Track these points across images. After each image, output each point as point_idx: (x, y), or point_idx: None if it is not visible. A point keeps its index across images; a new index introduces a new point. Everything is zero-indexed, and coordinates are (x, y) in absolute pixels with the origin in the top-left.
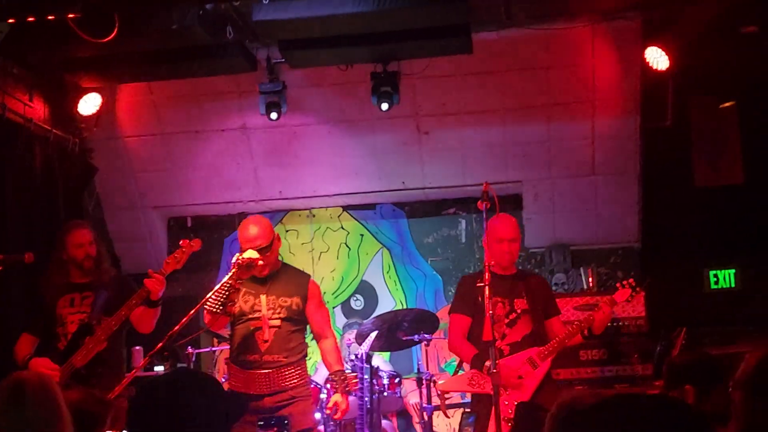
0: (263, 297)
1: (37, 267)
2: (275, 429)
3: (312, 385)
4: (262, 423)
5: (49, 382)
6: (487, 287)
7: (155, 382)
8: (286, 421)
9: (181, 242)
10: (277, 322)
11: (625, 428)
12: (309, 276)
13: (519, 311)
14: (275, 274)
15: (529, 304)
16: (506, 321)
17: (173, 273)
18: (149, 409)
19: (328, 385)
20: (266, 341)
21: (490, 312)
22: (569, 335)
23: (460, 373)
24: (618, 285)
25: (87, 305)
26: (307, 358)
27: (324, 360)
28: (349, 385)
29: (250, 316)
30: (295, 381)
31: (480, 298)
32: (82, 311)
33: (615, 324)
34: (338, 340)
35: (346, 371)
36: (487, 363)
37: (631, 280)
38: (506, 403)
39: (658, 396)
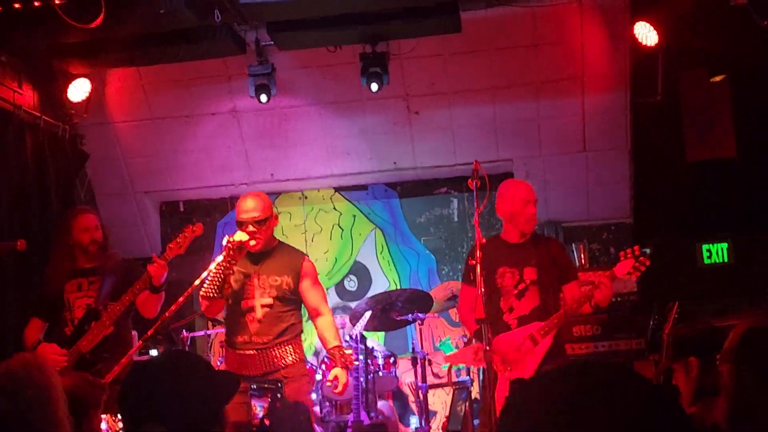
0: (254, 276)
1: (29, 254)
2: (268, 395)
3: (308, 366)
4: (254, 388)
5: (43, 366)
6: (478, 266)
7: (146, 364)
8: (279, 384)
9: (185, 228)
10: (268, 302)
11: (574, 397)
12: (303, 255)
13: (528, 282)
14: (269, 252)
15: (539, 273)
16: (515, 292)
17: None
18: (141, 390)
19: (323, 366)
20: (256, 322)
21: (482, 289)
22: (571, 310)
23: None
24: (621, 254)
25: (94, 290)
26: (302, 338)
27: (320, 337)
28: (348, 360)
29: (241, 296)
30: (289, 360)
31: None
32: (89, 296)
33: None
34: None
35: (344, 347)
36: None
37: (635, 248)
38: (509, 379)
39: (612, 365)
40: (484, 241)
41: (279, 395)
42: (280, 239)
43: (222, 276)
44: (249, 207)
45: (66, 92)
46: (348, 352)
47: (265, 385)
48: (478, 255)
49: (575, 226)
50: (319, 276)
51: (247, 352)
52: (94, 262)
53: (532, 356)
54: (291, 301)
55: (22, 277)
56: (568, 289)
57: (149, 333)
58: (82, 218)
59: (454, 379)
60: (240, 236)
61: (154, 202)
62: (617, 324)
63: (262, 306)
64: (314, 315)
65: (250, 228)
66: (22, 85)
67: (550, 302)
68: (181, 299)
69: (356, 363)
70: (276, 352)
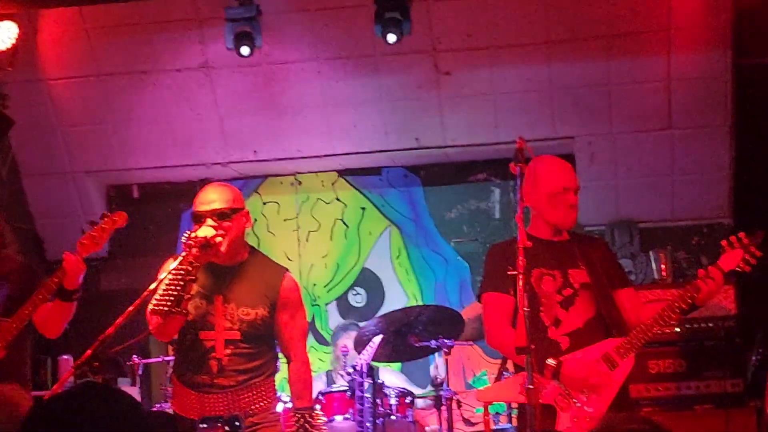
0: (219, 303)
1: None
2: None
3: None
4: (204, 426)
5: None
6: (521, 277)
7: (52, 401)
8: (238, 422)
9: (101, 217)
10: (235, 337)
11: None
12: (284, 271)
13: (577, 286)
14: (239, 267)
15: (591, 275)
16: (559, 300)
17: (112, 258)
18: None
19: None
20: (219, 361)
21: (526, 309)
22: (663, 319)
23: (506, 375)
24: (724, 243)
25: None
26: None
27: (290, 388)
28: (316, 427)
29: (201, 326)
30: (260, 404)
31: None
32: None
33: (696, 325)
34: (334, 349)
35: (316, 410)
36: (550, 361)
37: (741, 235)
38: (576, 419)
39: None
40: (530, 244)
41: None
42: (265, 239)
43: (181, 284)
44: (210, 197)
45: None
46: (320, 420)
47: (219, 423)
48: (520, 262)
49: (655, 228)
50: (315, 288)
51: (207, 395)
52: None
53: (607, 385)
54: (265, 336)
55: None
56: (627, 298)
57: (84, 356)
58: None
59: (492, 426)
60: (205, 231)
61: (100, 184)
62: (708, 358)
63: (227, 342)
64: (286, 358)
65: (209, 223)
66: None
67: (609, 313)
68: (131, 309)
69: (357, 405)
70: (244, 394)
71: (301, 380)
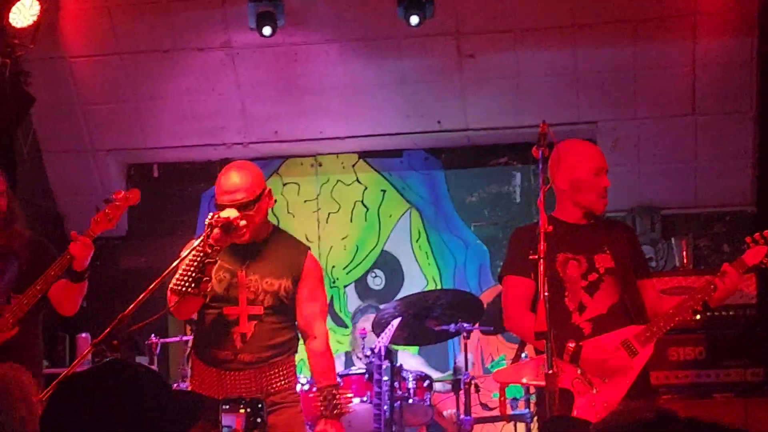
0: (242, 275)
1: None
2: (244, 414)
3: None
4: (226, 407)
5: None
6: (542, 262)
7: (76, 378)
8: (260, 405)
9: (114, 194)
10: (259, 312)
11: None
12: (307, 249)
13: (602, 271)
14: (262, 243)
15: (616, 260)
16: (583, 285)
17: (132, 238)
18: (65, 409)
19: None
20: (243, 336)
21: (546, 294)
22: (681, 309)
23: (524, 358)
24: (748, 239)
25: None
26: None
27: (311, 367)
28: (342, 407)
29: (224, 301)
30: (281, 383)
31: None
32: None
33: (717, 313)
34: (353, 331)
35: (340, 385)
36: (570, 344)
37: (766, 233)
38: (593, 404)
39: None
40: (551, 229)
41: (259, 420)
42: (285, 220)
43: (201, 265)
44: (232, 185)
45: (7, 16)
46: (348, 395)
47: (241, 405)
48: (541, 247)
49: (678, 215)
50: (334, 269)
51: (228, 372)
52: None
53: (625, 372)
54: (289, 310)
55: None
56: (648, 288)
57: (103, 334)
58: None
59: (510, 411)
60: (229, 212)
61: (120, 163)
62: (728, 347)
63: (250, 317)
64: (305, 335)
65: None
66: None
67: (632, 299)
68: (151, 288)
69: (376, 388)
70: (266, 372)
71: (323, 357)
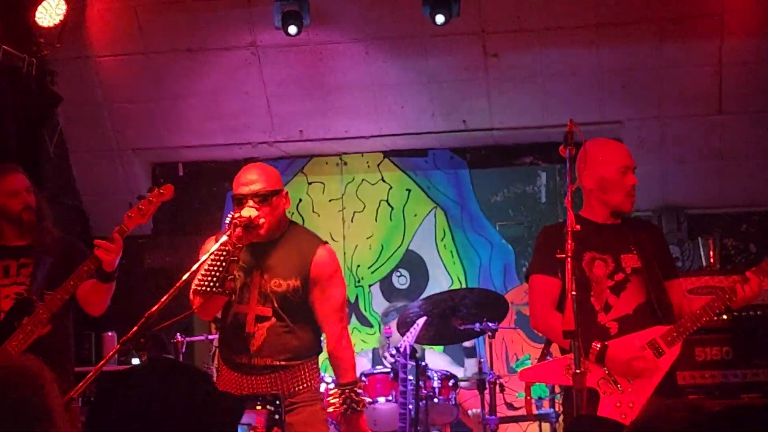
0: (257, 275)
1: None
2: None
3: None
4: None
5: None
6: (569, 261)
7: (125, 375)
8: (278, 402)
9: (148, 190)
10: (265, 313)
11: None
12: (319, 242)
13: (628, 271)
14: (276, 242)
15: (643, 260)
16: (610, 284)
17: (157, 236)
18: (114, 405)
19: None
20: (254, 338)
21: (573, 293)
22: (707, 310)
23: (548, 358)
24: None
25: (25, 275)
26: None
27: (330, 364)
28: (361, 403)
29: (237, 301)
30: (301, 387)
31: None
32: (18, 283)
33: (744, 313)
34: (378, 332)
35: (361, 385)
36: (595, 344)
37: None
38: (618, 405)
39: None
40: (578, 227)
41: (277, 416)
42: (310, 218)
43: (225, 264)
44: (249, 178)
45: (34, 15)
46: (361, 393)
47: (258, 402)
48: (569, 246)
49: (703, 215)
50: (359, 269)
51: (247, 377)
52: (26, 239)
53: (652, 372)
54: (300, 311)
55: None
56: (676, 289)
57: (130, 334)
58: (9, 179)
59: (534, 411)
60: (249, 212)
61: (145, 163)
62: (756, 347)
63: (258, 318)
64: (323, 332)
65: (251, 204)
66: None
67: (659, 300)
68: (176, 287)
69: (401, 387)
70: (282, 376)
71: (339, 357)
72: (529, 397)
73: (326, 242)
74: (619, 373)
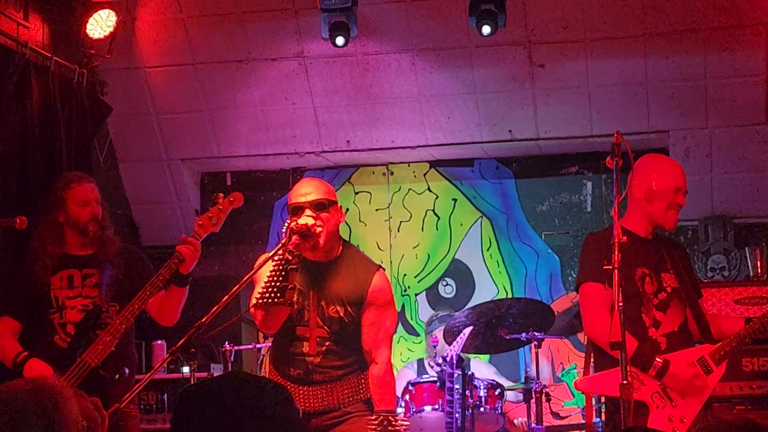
0: (314, 297)
1: (30, 234)
2: None
3: None
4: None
5: (59, 393)
6: (616, 271)
7: (199, 386)
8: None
9: (216, 197)
10: (325, 336)
11: None
12: (375, 269)
13: (669, 290)
14: (332, 263)
15: (679, 280)
16: (655, 302)
17: (205, 246)
18: (192, 418)
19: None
20: (313, 357)
21: (620, 304)
22: (752, 332)
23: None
24: None
25: (90, 286)
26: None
27: (371, 390)
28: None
29: (297, 321)
30: (353, 396)
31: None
32: (85, 295)
33: None
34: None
35: (398, 414)
36: (658, 359)
37: None
38: (670, 419)
39: None
40: (625, 239)
41: None
42: (357, 228)
43: (283, 274)
44: (307, 189)
45: (85, 27)
46: (405, 422)
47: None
48: (616, 257)
49: (751, 224)
50: (406, 278)
51: (302, 387)
52: (92, 249)
53: (702, 389)
54: (356, 334)
55: (20, 262)
56: (703, 307)
57: (180, 343)
58: (80, 188)
59: (581, 420)
60: (306, 220)
61: (194, 172)
62: None
63: (320, 339)
64: (369, 358)
65: (308, 213)
66: (29, 15)
67: (698, 318)
68: (228, 297)
69: (447, 397)
70: (338, 386)
71: (383, 384)
72: (590, 406)
73: (382, 267)
74: (676, 389)
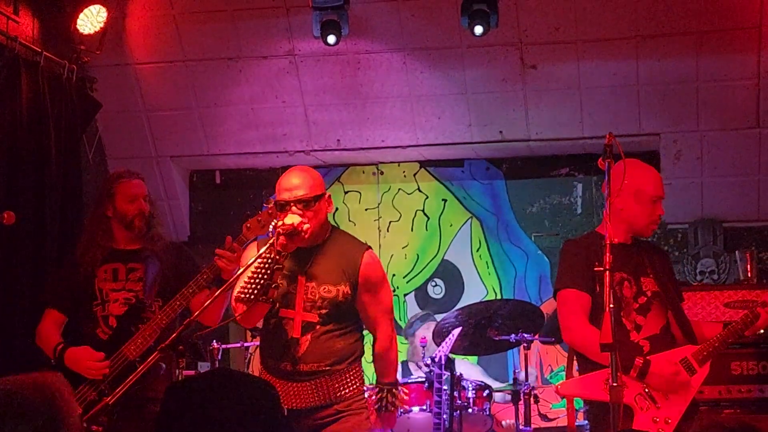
0: (302, 281)
1: (18, 230)
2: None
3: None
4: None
5: (63, 391)
6: (607, 273)
7: (186, 383)
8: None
9: (267, 200)
10: (314, 319)
11: None
12: (365, 248)
13: (649, 294)
14: (320, 247)
15: (659, 284)
16: (635, 306)
17: (194, 243)
18: (179, 415)
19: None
20: (301, 345)
21: (612, 305)
22: (733, 332)
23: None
24: None
25: (134, 280)
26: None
27: (374, 367)
28: (398, 401)
29: (282, 305)
30: (345, 391)
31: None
32: (128, 288)
33: None
34: (411, 340)
35: (399, 385)
36: (638, 359)
37: None
38: (655, 420)
39: None
40: (616, 241)
41: None
42: (345, 227)
43: (268, 272)
44: (292, 183)
45: (75, 22)
46: (404, 397)
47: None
48: (607, 259)
49: (740, 228)
50: (394, 278)
51: (291, 383)
52: (137, 244)
53: (686, 389)
54: (348, 316)
55: (8, 256)
56: (684, 312)
57: (169, 340)
58: (130, 184)
59: (576, 422)
60: (292, 219)
61: (183, 170)
62: None
63: (304, 324)
64: (372, 336)
65: (295, 211)
66: (19, 10)
67: (680, 321)
68: (216, 295)
69: (435, 397)
70: (328, 382)
71: (386, 358)
72: (571, 409)
73: (370, 246)
74: (659, 388)
